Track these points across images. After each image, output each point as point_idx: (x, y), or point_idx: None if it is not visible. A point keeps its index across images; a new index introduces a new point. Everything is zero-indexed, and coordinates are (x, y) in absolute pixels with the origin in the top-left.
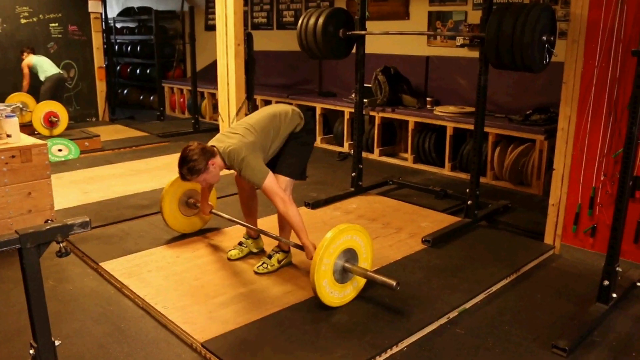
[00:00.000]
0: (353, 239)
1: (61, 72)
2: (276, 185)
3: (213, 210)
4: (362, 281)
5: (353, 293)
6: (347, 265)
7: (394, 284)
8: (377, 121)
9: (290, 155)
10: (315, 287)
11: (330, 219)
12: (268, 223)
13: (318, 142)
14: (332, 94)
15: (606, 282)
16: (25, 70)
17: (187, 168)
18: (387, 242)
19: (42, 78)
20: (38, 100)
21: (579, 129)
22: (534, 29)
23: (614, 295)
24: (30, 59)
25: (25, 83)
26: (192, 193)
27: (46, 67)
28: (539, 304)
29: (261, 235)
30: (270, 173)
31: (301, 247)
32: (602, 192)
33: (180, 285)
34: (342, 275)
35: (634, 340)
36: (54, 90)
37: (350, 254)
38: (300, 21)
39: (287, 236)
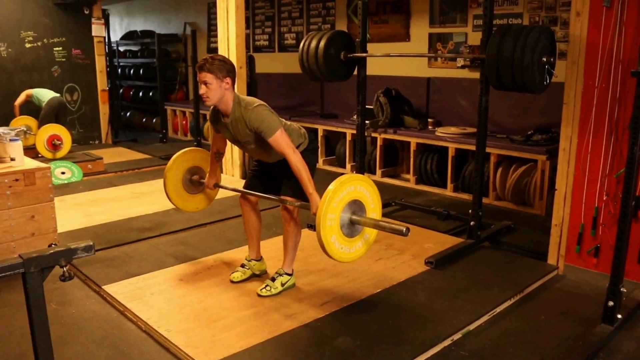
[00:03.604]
0: (357, 190)
1: (57, 95)
2: (288, 139)
3: (219, 184)
4: (372, 234)
5: (364, 247)
6: (354, 217)
7: (404, 229)
8: (379, 142)
9: (294, 177)
10: (323, 244)
11: None
12: (270, 245)
13: (320, 164)
14: (334, 115)
15: (611, 303)
16: (22, 97)
17: (212, 58)
18: (390, 264)
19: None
20: (39, 126)
21: (581, 149)
22: (533, 50)
23: (619, 316)
24: (30, 90)
25: (17, 103)
26: (196, 170)
27: (44, 96)
28: (543, 326)
29: (264, 258)
30: (282, 128)
31: (307, 207)
32: (604, 212)
33: (183, 308)
34: (351, 229)
35: None
36: (53, 113)
37: (357, 206)
38: (301, 44)
39: (291, 259)
